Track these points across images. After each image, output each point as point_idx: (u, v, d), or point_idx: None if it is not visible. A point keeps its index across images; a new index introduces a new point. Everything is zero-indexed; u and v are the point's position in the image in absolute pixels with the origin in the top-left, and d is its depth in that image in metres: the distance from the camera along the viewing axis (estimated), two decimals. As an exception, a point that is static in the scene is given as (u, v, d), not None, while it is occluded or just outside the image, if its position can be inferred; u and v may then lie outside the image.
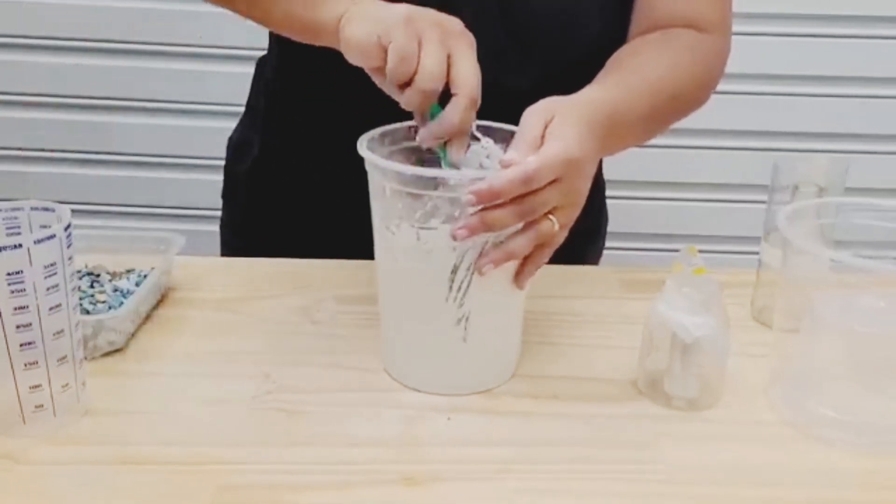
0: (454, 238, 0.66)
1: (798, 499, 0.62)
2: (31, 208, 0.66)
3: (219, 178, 1.06)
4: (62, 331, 0.64)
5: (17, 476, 0.62)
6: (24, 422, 0.65)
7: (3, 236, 0.65)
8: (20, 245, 0.60)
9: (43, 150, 1.88)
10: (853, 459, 0.66)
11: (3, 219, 0.66)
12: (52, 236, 0.62)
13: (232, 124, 1.06)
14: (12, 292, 0.61)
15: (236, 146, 1.04)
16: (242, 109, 1.05)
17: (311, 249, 0.94)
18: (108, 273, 0.85)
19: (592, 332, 0.82)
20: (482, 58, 0.69)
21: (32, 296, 0.62)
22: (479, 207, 0.65)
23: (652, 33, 0.87)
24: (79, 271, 0.85)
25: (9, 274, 0.61)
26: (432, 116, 0.68)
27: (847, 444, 0.67)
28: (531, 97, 0.72)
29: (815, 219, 0.74)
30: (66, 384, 0.66)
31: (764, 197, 0.83)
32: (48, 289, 0.62)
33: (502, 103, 0.72)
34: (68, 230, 0.63)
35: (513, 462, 0.64)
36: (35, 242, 0.61)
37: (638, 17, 0.89)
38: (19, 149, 1.88)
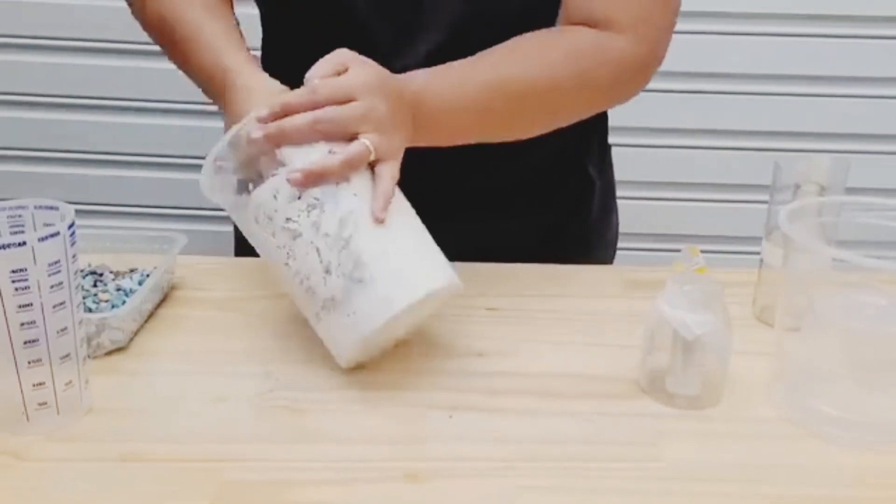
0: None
1: (799, 496, 0.62)
2: (35, 206, 0.66)
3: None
4: (66, 328, 0.65)
5: (21, 473, 0.62)
6: (28, 419, 0.65)
7: (7, 234, 0.65)
8: (24, 242, 0.61)
9: (43, 150, 1.88)
10: (854, 457, 0.66)
11: (7, 217, 0.66)
12: (56, 234, 0.62)
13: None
14: (16, 290, 0.62)
15: None
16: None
17: None
18: (111, 272, 0.85)
19: (594, 331, 0.82)
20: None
21: (36, 293, 0.62)
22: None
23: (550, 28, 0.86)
24: (82, 270, 0.85)
25: (13, 271, 0.61)
26: None
27: (848, 441, 0.67)
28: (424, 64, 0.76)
29: (817, 217, 0.74)
30: (70, 382, 0.66)
31: (765, 197, 0.83)
32: (52, 286, 0.63)
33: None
34: (72, 228, 0.64)
35: (515, 459, 0.64)
36: (39, 240, 0.61)
37: (560, 16, 0.87)
38: (19, 149, 1.88)
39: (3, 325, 0.62)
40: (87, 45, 1.79)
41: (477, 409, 0.70)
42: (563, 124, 0.87)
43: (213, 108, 1.82)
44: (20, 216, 0.66)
